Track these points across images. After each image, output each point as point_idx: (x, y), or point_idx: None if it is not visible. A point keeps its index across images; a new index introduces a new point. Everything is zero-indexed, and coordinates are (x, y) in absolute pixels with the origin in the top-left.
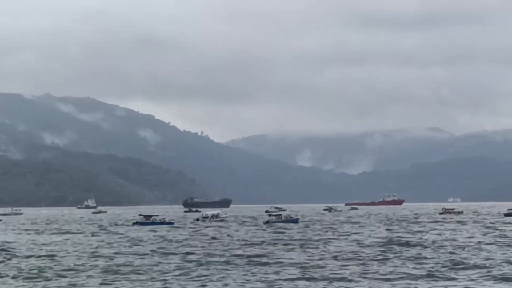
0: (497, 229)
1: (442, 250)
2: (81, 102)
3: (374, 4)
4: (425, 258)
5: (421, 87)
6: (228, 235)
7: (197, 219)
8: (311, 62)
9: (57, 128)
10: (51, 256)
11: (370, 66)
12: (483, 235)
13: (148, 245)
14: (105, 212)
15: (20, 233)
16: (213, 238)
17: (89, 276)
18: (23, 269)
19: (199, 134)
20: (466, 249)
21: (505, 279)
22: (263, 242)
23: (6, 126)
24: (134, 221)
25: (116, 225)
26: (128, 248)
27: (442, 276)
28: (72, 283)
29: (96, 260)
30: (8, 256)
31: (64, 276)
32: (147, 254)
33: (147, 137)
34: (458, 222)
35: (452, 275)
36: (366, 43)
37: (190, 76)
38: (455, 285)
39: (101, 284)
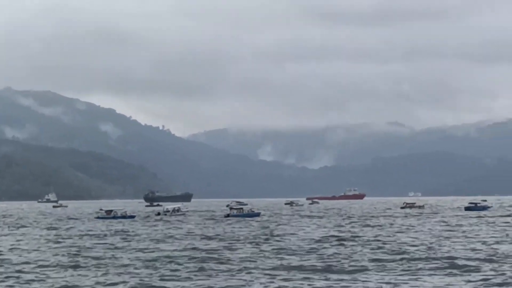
0: (450, 224)
1: (370, 246)
2: (42, 96)
3: (334, 0)
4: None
5: (381, 82)
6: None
7: (158, 213)
8: (272, 57)
9: (18, 122)
10: None
11: (330, 61)
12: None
13: (106, 239)
14: (66, 206)
15: None
16: (169, 233)
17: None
18: None
19: (161, 128)
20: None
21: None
22: (217, 236)
23: None
24: (95, 215)
25: (76, 219)
26: (84, 242)
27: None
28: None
29: (55, 254)
30: None
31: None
32: (99, 247)
33: (108, 131)
34: (416, 216)
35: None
36: (326, 39)
37: (151, 71)
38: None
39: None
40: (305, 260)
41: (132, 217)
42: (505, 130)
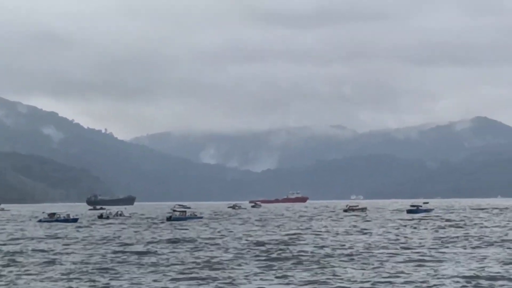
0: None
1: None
2: None
3: (273, 2)
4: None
5: (322, 84)
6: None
7: (101, 216)
8: (212, 59)
9: None
10: None
11: (271, 63)
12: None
13: (44, 242)
14: (8, 210)
15: None
16: (106, 237)
17: None
18: None
19: (103, 131)
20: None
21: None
22: (153, 240)
23: None
24: (38, 218)
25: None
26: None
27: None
28: None
29: None
30: None
31: None
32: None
33: (50, 135)
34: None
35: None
36: (267, 40)
37: (91, 73)
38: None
39: None
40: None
41: (75, 220)
42: (446, 133)
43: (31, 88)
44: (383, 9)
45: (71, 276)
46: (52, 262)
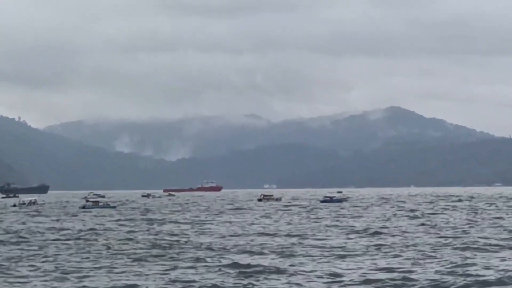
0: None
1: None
2: None
3: None
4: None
5: (234, 74)
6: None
7: (14, 205)
8: (123, 48)
9: None
10: None
11: (182, 52)
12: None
13: None
14: None
15: None
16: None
17: None
18: None
19: (16, 119)
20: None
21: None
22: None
23: None
24: None
25: None
26: None
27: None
28: None
29: None
30: None
31: None
32: None
33: None
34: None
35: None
36: (177, 29)
37: (1, 62)
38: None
39: None
40: None
41: None
42: (360, 122)
43: None
44: (293, 0)
45: None
46: None
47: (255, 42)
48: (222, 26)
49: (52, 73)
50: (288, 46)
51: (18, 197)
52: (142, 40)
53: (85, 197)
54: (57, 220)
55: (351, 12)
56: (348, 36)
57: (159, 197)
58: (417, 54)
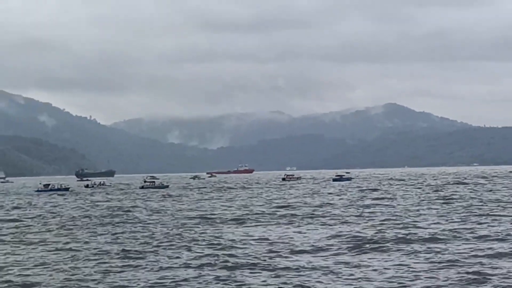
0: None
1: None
2: None
3: (219, 11)
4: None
5: (261, 79)
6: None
7: (87, 186)
8: (171, 59)
9: None
10: None
11: (217, 62)
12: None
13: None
14: (12, 182)
15: None
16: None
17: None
18: None
19: (88, 118)
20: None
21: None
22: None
23: None
24: (36, 188)
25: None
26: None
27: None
28: None
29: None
30: None
31: None
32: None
33: (45, 121)
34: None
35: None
36: (213, 44)
37: (74, 71)
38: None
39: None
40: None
41: (66, 189)
42: (363, 117)
43: (27, 83)
44: (306, 18)
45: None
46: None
47: (277, 52)
48: (250, 40)
49: (115, 80)
50: (303, 56)
51: (90, 180)
52: (186, 53)
53: (144, 180)
54: (144, 201)
55: (354, 28)
56: (352, 46)
57: (203, 178)
58: (407, 60)
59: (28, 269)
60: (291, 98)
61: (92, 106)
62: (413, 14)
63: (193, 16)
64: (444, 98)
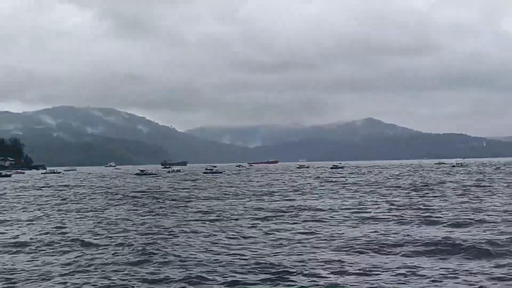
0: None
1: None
2: (104, 110)
3: (251, 55)
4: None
5: (281, 102)
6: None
7: (168, 171)
8: (221, 89)
9: (93, 124)
10: None
11: (252, 91)
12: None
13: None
14: (119, 168)
15: None
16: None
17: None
18: None
19: (169, 126)
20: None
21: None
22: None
23: None
24: (135, 172)
25: (123, 174)
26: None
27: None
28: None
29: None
30: None
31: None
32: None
33: (142, 130)
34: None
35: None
36: (248, 79)
37: (159, 95)
38: None
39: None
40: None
41: (155, 174)
42: (351, 126)
43: (129, 104)
44: (312, 61)
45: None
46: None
47: (292, 85)
48: (272, 76)
49: (187, 101)
50: (310, 87)
51: (170, 167)
52: (229, 85)
53: (206, 168)
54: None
55: (343, 69)
56: (342, 81)
57: (244, 166)
58: (380, 90)
59: None
60: (303, 115)
61: (172, 118)
62: (378, 60)
63: (232, 60)
64: (405, 114)
